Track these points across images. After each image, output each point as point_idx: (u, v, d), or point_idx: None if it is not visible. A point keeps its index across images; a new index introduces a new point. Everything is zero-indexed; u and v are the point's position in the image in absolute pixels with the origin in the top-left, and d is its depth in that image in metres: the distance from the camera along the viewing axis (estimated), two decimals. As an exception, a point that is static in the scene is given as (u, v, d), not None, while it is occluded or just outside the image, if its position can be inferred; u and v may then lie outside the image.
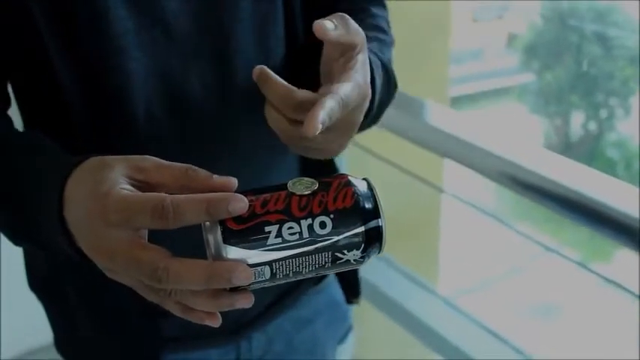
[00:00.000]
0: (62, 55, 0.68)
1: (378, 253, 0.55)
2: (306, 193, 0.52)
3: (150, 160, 0.55)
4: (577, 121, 8.05)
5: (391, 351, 2.43)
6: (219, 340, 0.84)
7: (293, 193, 0.52)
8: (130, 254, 0.52)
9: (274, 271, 0.52)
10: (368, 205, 0.53)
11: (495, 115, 8.12)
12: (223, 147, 0.77)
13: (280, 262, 0.52)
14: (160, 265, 0.50)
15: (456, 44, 2.71)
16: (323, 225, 0.51)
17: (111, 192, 0.52)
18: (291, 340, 0.92)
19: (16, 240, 0.68)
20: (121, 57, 0.68)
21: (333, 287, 0.95)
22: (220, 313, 0.56)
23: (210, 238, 0.51)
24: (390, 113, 0.86)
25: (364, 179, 0.56)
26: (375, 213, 0.53)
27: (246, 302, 0.54)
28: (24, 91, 0.75)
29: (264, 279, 0.52)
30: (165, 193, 0.53)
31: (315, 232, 0.51)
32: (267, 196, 0.53)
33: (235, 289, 0.53)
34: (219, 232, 0.51)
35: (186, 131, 0.74)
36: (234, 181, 0.54)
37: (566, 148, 8.04)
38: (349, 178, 0.55)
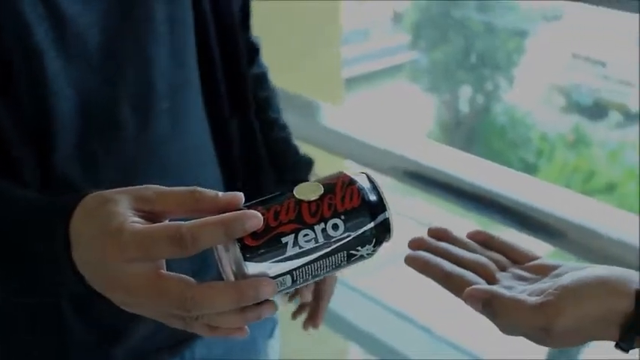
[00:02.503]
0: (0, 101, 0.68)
1: (388, 241, 0.56)
2: (314, 198, 0.53)
3: (152, 189, 0.54)
4: (466, 94, 8.33)
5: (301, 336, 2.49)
6: (164, 356, 0.87)
7: (301, 200, 0.53)
8: (154, 287, 0.52)
9: (295, 278, 0.53)
10: (374, 200, 0.54)
11: (388, 94, 8.29)
12: (155, 167, 0.78)
13: (300, 269, 0.52)
14: (188, 294, 0.50)
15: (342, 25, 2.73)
16: (335, 227, 0.52)
17: (123, 227, 0.51)
18: (228, 342, 0.96)
19: (8, 295, 0.67)
20: (55, 99, 0.69)
21: None
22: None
23: (230, 256, 0.51)
24: (287, 117, 0.94)
25: (363, 173, 0.56)
26: (382, 206, 0.54)
27: (271, 311, 0.54)
28: None
29: (286, 287, 0.53)
30: (171, 219, 0.53)
31: (329, 235, 0.52)
32: (277, 207, 0.52)
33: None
34: (238, 250, 0.51)
35: (121, 156, 0.76)
36: (240, 197, 0.53)
37: (457, 121, 8.32)
38: (351, 176, 0.55)
